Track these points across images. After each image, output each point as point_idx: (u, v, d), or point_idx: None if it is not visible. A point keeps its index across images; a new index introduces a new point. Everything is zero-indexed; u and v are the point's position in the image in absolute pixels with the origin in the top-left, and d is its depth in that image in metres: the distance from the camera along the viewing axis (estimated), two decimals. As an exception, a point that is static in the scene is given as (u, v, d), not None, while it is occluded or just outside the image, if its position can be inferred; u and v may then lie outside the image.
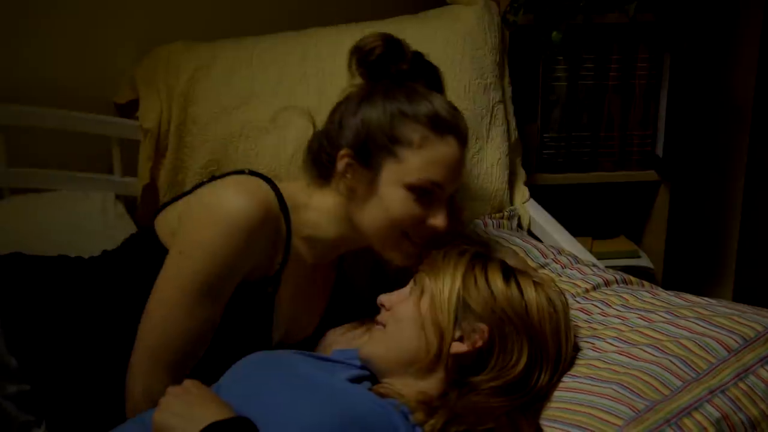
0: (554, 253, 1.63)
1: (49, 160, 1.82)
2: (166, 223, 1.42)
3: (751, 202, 2.24)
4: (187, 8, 1.93)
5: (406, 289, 1.32)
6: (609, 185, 2.13)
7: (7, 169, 1.78)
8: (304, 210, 1.42)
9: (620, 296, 1.44)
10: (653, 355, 1.25)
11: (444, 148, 1.37)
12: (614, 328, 1.35)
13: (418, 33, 1.80)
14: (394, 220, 1.37)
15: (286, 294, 1.42)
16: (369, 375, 1.30)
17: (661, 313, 1.35)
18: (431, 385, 1.25)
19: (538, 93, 2.01)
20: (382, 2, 1.99)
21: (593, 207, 2.19)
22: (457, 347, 1.23)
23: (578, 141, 2.06)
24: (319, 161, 1.43)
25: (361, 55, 1.44)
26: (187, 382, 1.19)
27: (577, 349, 1.32)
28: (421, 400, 1.21)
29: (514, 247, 1.64)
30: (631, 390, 1.20)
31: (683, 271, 2.27)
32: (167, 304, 1.31)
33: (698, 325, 1.29)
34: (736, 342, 1.24)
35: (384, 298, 1.34)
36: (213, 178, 1.45)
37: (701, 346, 1.25)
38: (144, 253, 1.40)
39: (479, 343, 1.23)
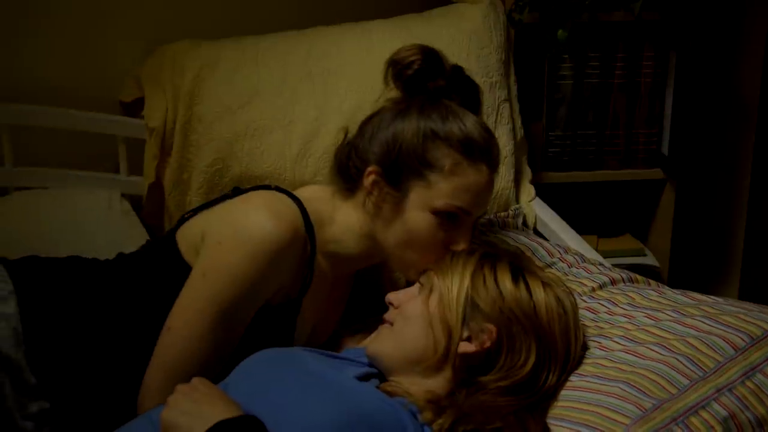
0: (560, 252, 1.63)
1: (54, 159, 1.83)
2: (188, 237, 1.38)
3: (757, 200, 2.24)
4: (191, 7, 1.94)
5: (415, 288, 1.33)
6: (614, 183, 2.13)
7: (13, 168, 1.79)
8: (328, 225, 1.40)
9: (627, 295, 1.44)
10: (660, 354, 1.25)
11: (475, 176, 1.34)
12: (621, 326, 1.35)
13: (423, 31, 1.80)
14: (416, 243, 1.35)
15: (308, 311, 1.41)
16: (377, 373, 1.30)
17: (667, 312, 1.35)
18: (438, 384, 1.25)
19: (544, 91, 2.01)
20: (387, 1, 1.99)
21: (599, 205, 2.19)
22: (465, 347, 1.23)
23: (584, 139, 2.06)
24: (347, 173, 1.41)
25: (398, 69, 1.40)
26: (195, 380, 1.19)
27: (584, 347, 1.32)
28: (429, 399, 1.21)
29: (520, 246, 1.64)
30: (638, 389, 1.20)
31: (689, 270, 2.27)
32: (187, 326, 1.29)
33: (705, 323, 1.29)
34: (743, 340, 1.24)
35: (392, 296, 1.34)
36: (236, 190, 1.43)
37: (708, 345, 1.24)
38: (165, 269, 1.37)
39: (487, 344, 1.23)
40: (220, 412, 1.11)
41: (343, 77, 1.77)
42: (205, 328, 1.29)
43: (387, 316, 1.33)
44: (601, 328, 1.37)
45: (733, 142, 2.24)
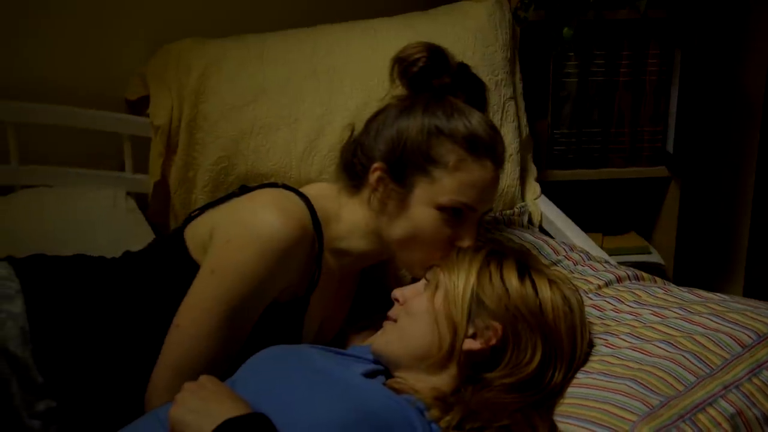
0: (566, 250, 1.63)
1: (59, 157, 1.83)
2: (196, 235, 1.38)
3: (761, 198, 2.24)
4: (197, 5, 1.94)
5: (420, 284, 1.32)
6: (619, 181, 2.13)
7: (19, 167, 1.79)
8: (335, 222, 1.41)
9: (633, 292, 1.44)
10: (667, 351, 1.25)
11: (479, 172, 1.35)
12: (627, 324, 1.35)
13: (428, 29, 1.80)
14: (421, 239, 1.36)
15: (315, 308, 1.41)
16: (383, 370, 1.30)
17: (674, 309, 1.35)
18: (444, 381, 1.25)
19: (549, 89, 2.01)
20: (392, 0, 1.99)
21: (604, 203, 2.19)
22: (470, 344, 1.23)
23: (589, 137, 2.06)
24: (352, 170, 1.42)
25: (403, 66, 1.41)
26: (203, 378, 1.19)
27: (590, 345, 1.32)
28: (435, 396, 1.21)
29: (525, 244, 1.63)
30: (645, 386, 1.20)
31: (694, 267, 2.27)
32: (195, 324, 1.29)
33: (711, 320, 1.29)
34: (750, 338, 1.24)
35: (398, 293, 1.33)
36: (243, 188, 1.43)
37: (715, 342, 1.24)
38: (173, 267, 1.38)
39: (493, 341, 1.23)
40: (228, 409, 1.11)
41: (349, 75, 1.77)
42: (213, 326, 1.29)
43: (391, 312, 1.33)
44: (608, 325, 1.37)
45: (738, 140, 2.24)
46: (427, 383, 1.24)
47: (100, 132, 1.81)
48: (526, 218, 1.84)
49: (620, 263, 1.63)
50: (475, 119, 1.36)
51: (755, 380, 1.19)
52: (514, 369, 1.22)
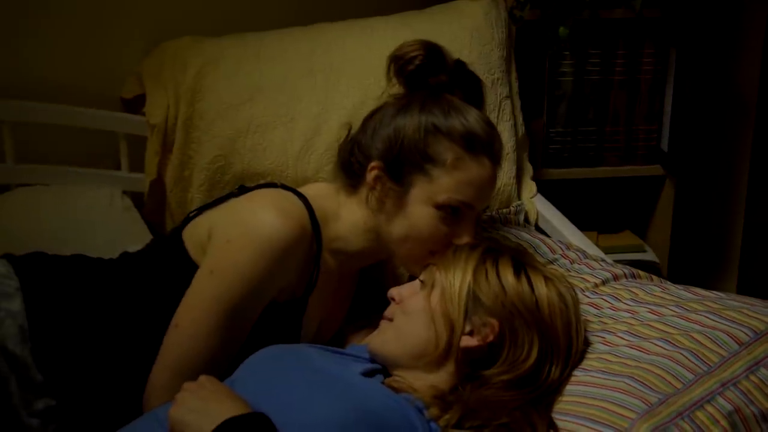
0: (563, 249, 1.63)
1: (56, 156, 1.82)
2: (194, 235, 1.38)
3: (755, 197, 2.25)
4: (194, 4, 1.93)
5: (417, 283, 1.33)
6: (614, 180, 2.13)
7: (15, 165, 1.79)
8: (333, 222, 1.41)
9: (630, 290, 1.45)
10: (665, 349, 1.26)
11: (477, 169, 1.35)
12: (625, 322, 1.36)
13: (425, 28, 1.80)
14: (419, 238, 1.36)
15: (314, 308, 1.41)
16: (381, 369, 1.30)
17: (671, 307, 1.35)
18: (442, 378, 1.25)
19: (544, 88, 2.02)
20: (388, -1, 2.00)
21: (599, 201, 2.19)
22: (467, 341, 1.24)
23: (584, 136, 2.06)
24: (350, 169, 1.42)
25: (400, 64, 1.41)
26: (202, 378, 1.19)
27: (587, 343, 1.32)
28: (434, 395, 1.21)
29: (522, 243, 1.64)
30: (643, 383, 1.20)
31: (688, 265, 2.28)
32: (194, 324, 1.29)
33: (708, 318, 1.30)
34: (747, 335, 1.25)
35: (394, 292, 1.34)
36: (242, 188, 1.44)
37: (712, 340, 1.25)
38: (172, 267, 1.38)
39: (490, 338, 1.23)
40: (228, 409, 1.11)
41: (345, 74, 1.77)
42: (211, 326, 1.29)
43: (388, 312, 1.33)
44: (605, 323, 1.37)
45: (732, 139, 2.25)
46: (425, 381, 1.25)
47: (97, 131, 1.81)
48: (522, 217, 1.85)
49: (615, 261, 1.63)
50: (472, 117, 1.36)
51: (752, 377, 1.20)
52: (511, 365, 1.23)
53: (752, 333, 1.25)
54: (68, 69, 1.85)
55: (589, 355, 1.30)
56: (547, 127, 2.04)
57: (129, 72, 1.86)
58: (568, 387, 1.26)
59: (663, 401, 1.17)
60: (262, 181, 1.57)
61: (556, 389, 1.26)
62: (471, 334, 1.24)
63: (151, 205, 1.81)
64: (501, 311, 1.24)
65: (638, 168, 2.10)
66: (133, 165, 1.84)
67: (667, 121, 2.05)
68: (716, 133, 2.26)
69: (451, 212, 1.35)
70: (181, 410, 1.14)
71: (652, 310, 1.36)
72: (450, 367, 1.25)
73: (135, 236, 1.68)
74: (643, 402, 1.18)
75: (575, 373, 1.28)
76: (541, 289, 1.27)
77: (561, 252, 1.62)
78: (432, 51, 1.40)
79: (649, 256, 2.13)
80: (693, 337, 1.26)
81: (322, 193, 1.43)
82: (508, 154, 1.83)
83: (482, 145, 1.35)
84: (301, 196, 1.37)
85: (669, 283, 1.50)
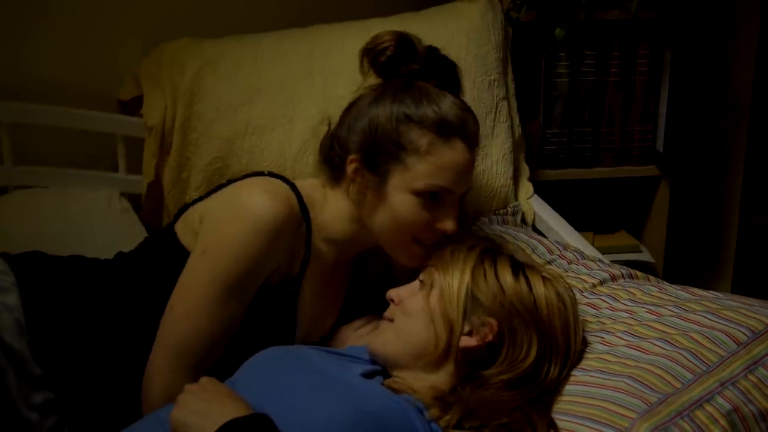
0: (560, 249, 1.64)
1: (54, 157, 1.82)
2: (186, 225, 1.41)
3: (749, 197, 2.26)
4: (192, 5, 1.93)
5: (415, 284, 1.33)
6: (610, 180, 2.14)
7: (13, 167, 1.78)
8: (320, 211, 1.43)
9: (627, 291, 1.46)
10: (663, 349, 1.26)
11: (451, 153, 1.36)
12: (623, 322, 1.36)
13: (422, 30, 1.77)
14: (403, 225, 1.38)
15: (308, 294, 1.43)
16: (381, 370, 1.31)
17: (669, 307, 1.36)
18: (441, 379, 1.26)
19: (540, 89, 2.02)
20: (384, 0, 2.00)
21: (594, 202, 2.20)
22: (467, 341, 1.24)
23: (580, 137, 2.07)
24: (332, 163, 1.44)
25: (372, 56, 1.44)
26: (204, 380, 1.20)
27: (586, 343, 1.33)
28: (434, 396, 1.22)
29: (520, 243, 1.65)
30: (642, 383, 1.21)
31: (683, 266, 2.29)
32: (189, 303, 1.31)
33: (707, 318, 1.30)
34: (745, 335, 1.26)
35: (393, 293, 1.34)
36: (230, 181, 1.45)
37: (711, 339, 1.26)
38: (165, 258, 1.39)
39: (489, 338, 1.24)
40: (230, 411, 1.11)
41: (344, 76, 1.77)
42: (207, 305, 1.30)
43: (387, 312, 1.34)
44: (603, 323, 1.38)
45: (726, 140, 2.26)
46: (425, 382, 1.25)
47: (94, 132, 1.81)
48: (519, 217, 1.85)
49: (612, 262, 1.64)
50: (445, 103, 1.38)
51: (751, 377, 1.21)
52: (510, 365, 1.24)
53: (750, 333, 1.26)
54: (66, 70, 1.85)
55: (588, 356, 1.31)
56: (543, 128, 2.05)
57: (127, 73, 1.86)
58: (568, 387, 1.27)
59: (663, 401, 1.18)
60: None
61: (555, 389, 1.26)
62: (470, 334, 1.25)
63: (148, 207, 1.81)
64: (499, 311, 1.25)
65: (633, 169, 2.11)
66: (131, 167, 1.84)
67: (662, 122, 2.06)
68: (711, 134, 2.27)
69: (430, 198, 1.36)
70: (183, 412, 1.14)
71: (650, 310, 1.37)
72: (450, 368, 1.26)
73: (133, 238, 1.67)
74: (643, 402, 1.18)
75: (574, 373, 1.28)
76: (539, 288, 1.28)
77: (558, 253, 1.63)
78: (402, 41, 1.42)
79: (645, 256, 2.14)
80: (692, 337, 1.27)
81: (309, 183, 1.46)
82: (504, 155, 1.83)
83: (454, 129, 1.37)
84: (289, 182, 1.40)
85: (666, 283, 1.51)
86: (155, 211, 1.81)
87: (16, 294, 1.33)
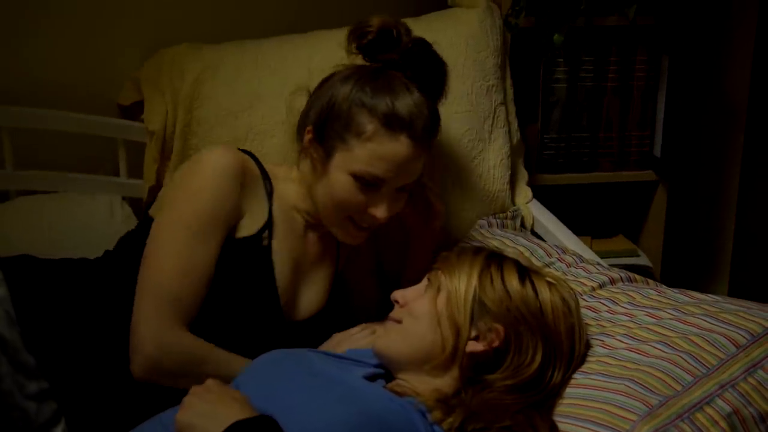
0: (559, 253, 1.65)
1: (55, 162, 1.82)
2: (157, 203, 1.50)
3: (745, 202, 2.27)
4: (193, 11, 1.93)
5: (421, 286, 1.34)
6: (608, 185, 2.15)
7: (14, 171, 1.78)
8: (284, 180, 1.51)
9: (627, 294, 1.46)
10: (663, 352, 1.27)
11: (392, 146, 1.40)
12: (623, 325, 1.37)
13: (421, 35, 1.80)
14: (337, 203, 1.44)
15: (283, 252, 1.47)
16: (383, 373, 1.31)
17: (668, 311, 1.37)
18: (446, 383, 1.26)
19: (539, 94, 2.03)
20: (384, 5, 2.00)
21: (592, 207, 2.21)
22: (473, 346, 1.25)
23: (578, 142, 2.08)
24: (300, 136, 1.51)
25: (355, 37, 1.50)
26: (209, 382, 1.20)
27: (587, 346, 1.34)
28: (437, 398, 1.22)
29: (519, 248, 1.65)
30: (643, 386, 1.22)
31: (680, 270, 2.30)
32: (159, 251, 1.37)
33: (706, 321, 1.31)
34: (744, 338, 1.27)
35: (398, 294, 1.35)
36: None
37: (710, 342, 1.27)
38: (144, 239, 1.43)
39: (496, 343, 1.24)
40: (235, 412, 1.12)
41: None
42: (176, 246, 1.36)
43: (394, 314, 1.34)
44: (603, 326, 1.39)
45: (723, 145, 2.27)
46: (429, 385, 1.26)
47: (95, 137, 1.81)
48: (519, 222, 1.86)
49: (610, 266, 1.65)
50: (402, 99, 1.41)
51: (750, 379, 1.22)
52: (515, 371, 1.24)
53: (749, 336, 1.27)
54: (66, 75, 1.85)
55: (589, 359, 1.32)
56: (542, 133, 2.06)
57: (127, 78, 1.86)
58: (569, 390, 1.28)
59: (663, 403, 1.19)
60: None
61: (557, 392, 1.27)
62: (477, 339, 1.25)
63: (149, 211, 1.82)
64: (506, 316, 1.25)
65: (631, 174, 2.12)
66: (132, 171, 1.84)
67: (660, 128, 2.07)
68: (708, 139, 2.28)
69: (365, 183, 1.41)
70: (188, 414, 1.15)
71: (649, 313, 1.38)
72: (455, 372, 1.26)
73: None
74: (644, 404, 1.19)
75: (576, 376, 1.29)
76: (545, 294, 1.28)
77: (557, 256, 1.64)
78: (384, 29, 1.47)
79: (642, 260, 2.14)
80: (691, 340, 1.28)
81: (277, 163, 1.57)
82: (502, 159, 1.84)
83: (402, 123, 1.40)
84: (250, 153, 1.51)
85: (665, 286, 1.51)
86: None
87: (5, 288, 1.36)
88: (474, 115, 1.81)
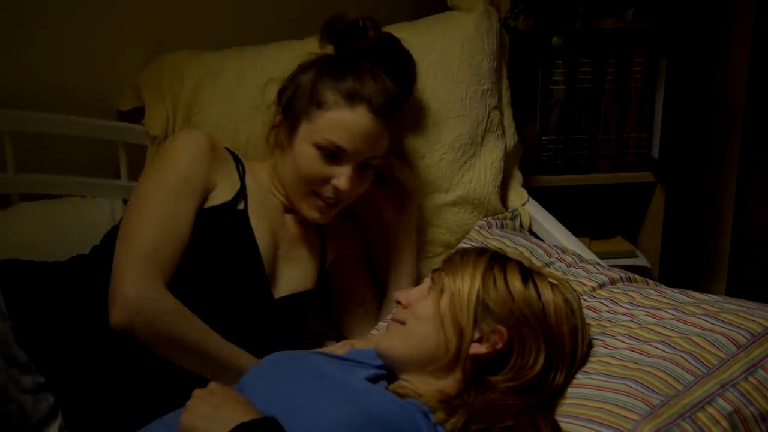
0: (559, 253, 1.64)
1: (56, 165, 1.83)
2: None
3: (742, 202, 2.28)
4: (194, 16, 1.94)
5: (424, 287, 1.34)
6: (606, 186, 2.16)
7: (16, 175, 1.79)
8: (258, 169, 1.61)
9: (627, 294, 1.46)
10: (664, 352, 1.28)
11: (350, 115, 1.48)
12: (623, 325, 1.37)
13: (418, 40, 1.80)
14: (302, 175, 1.50)
15: (258, 219, 1.52)
16: (386, 375, 1.32)
17: (668, 311, 1.37)
18: (449, 384, 1.27)
19: (538, 96, 2.04)
20: (382, 9, 2.00)
21: (591, 208, 2.21)
22: (477, 348, 1.25)
23: (576, 143, 2.09)
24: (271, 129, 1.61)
25: (326, 28, 1.61)
26: (212, 385, 1.20)
27: (589, 346, 1.34)
28: (440, 399, 1.22)
29: (519, 248, 1.65)
30: (644, 386, 1.22)
31: (678, 270, 2.31)
32: (138, 208, 1.45)
33: (706, 321, 1.32)
34: (744, 337, 1.27)
35: (401, 296, 1.35)
36: None
37: (710, 342, 1.27)
38: None
39: (499, 345, 1.24)
40: (239, 415, 1.12)
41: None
42: (154, 205, 1.43)
43: (397, 315, 1.34)
44: (604, 326, 1.39)
45: (720, 146, 2.28)
46: (431, 386, 1.26)
47: (96, 140, 1.82)
48: (518, 222, 1.86)
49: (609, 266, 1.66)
50: (364, 79, 1.50)
51: (751, 379, 1.22)
52: (518, 372, 1.24)
53: (749, 335, 1.27)
54: (68, 79, 1.86)
55: (590, 359, 1.32)
56: (540, 134, 2.07)
57: (129, 82, 1.87)
58: (571, 390, 1.28)
59: (665, 402, 1.19)
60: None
61: (560, 393, 1.27)
62: (480, 341, 1.25)
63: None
64: (509, 318, 1.25)
65: (629, 175, 2.12)
66: (133, 174, 1.84)
67: (657, 129, 2.08)
68: (705, 141, 2.30)
69: (329, 154, 1.48)
70: (192, 417, 1.15)
71: (650, 313, 1.38)
72: (458, 374, 1.26)
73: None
74: (646, 404, 1.20)
75: (577, 376, 1.29)
76: (548, 295, 1.28)
77: (557, 256, 1.63)
78: (352, 22, 1.59)
79: (641, 261, 2.15)
80: (692, 340, 1.28)
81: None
82: (493, 163, 1.83)
83: (361, 97, 1.49)
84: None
85: (664, 287, 1.52)
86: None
87: None
88: (468, 119, 1.81)
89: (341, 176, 1.49)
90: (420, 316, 1.29)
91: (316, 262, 1.63)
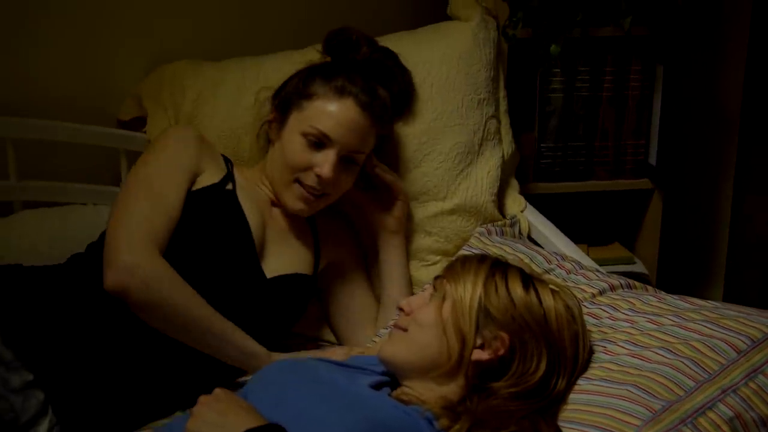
0: (558, 259, 1.65)
1: (58, 172, 1.83)
2: None
3: (739, 209, 2.29)
4: (195, 25, 1.95)
5: (426, 294, 1.35)
6: (604, 194, 2.16)
7: (18, 182, 1.79)
8: (246, 168, 1.68)
9: (627, 300, 1.47)
10: (665, 357, 1.28)
11: (338, 104, 1.55)
12: (624, 331, 1.38)
13: (415, 50, 1.81)
14: (287, 163, 1.55)
15: (246, 202, 1.57)
16: (389, 381, 1.32)
17: (669, 317, 1.38)
18: (451, 390, 1.27)
19: (536, 104, 2.05)
20: (381, 19, 2.02)
21: (588, 215, 2.22)
22: (479, 355, 1.25)
23: (574, 151, 2.09)
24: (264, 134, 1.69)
25: (325, 40, 1.70)
26: (217, 390, 1.20)
27: (590, 352, 1.35)
28: (443, 406, 1.23)
29: (519, 254, 1.66)
30: (646, 391, 1.23)
31: (676, 276, 2.31)
32: (130, 187, 1.50)
33: (706, 327, 1.32)
34: (744, 343, 1.28)
35: (403, 303, 1.36)
36: None
37: (711, 348, 1.28)
38: None
39: (501, 351, 1.25)
40: (245, 421, 1.12)
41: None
42: (146, 183, 1.49)
43: (399, 322, 1.34)
44: (605, 332, 1.40)
45: (717, 153, 2.29)
46: (434, 393, 1.27)
47: (98, 147, 1.82)
48: (517, 229, 1.86)
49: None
50: (356, 80, 1.57)
51: (751, 384, 1.23)
52: (520, 378, 1.25)
53: (749, 341, 1.28)
54: (70, 86, 1.86)
55: (591, 365, 1.33)
56: (538, 142, 2.07)
57: (129, 90, 1.87)
58: (573, 395, 1.29)
59: (666, 408, 1.20)
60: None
61: (561, 399, 1.28)
62: (482, 347, 1.26)
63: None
64: (511, 324, 1.26)
65: (627, 182, 2.13)
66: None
67: (655, 136, 2.08)
68: (702, 148, 2.31)
69: (314, 142, 1.54)
70: (197, 423, 1.15)
71: (650, 319, 1.39)
72: (460, 380, 1.27)
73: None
74: (647, 409, 1.20)
75: (579, 382, 1.30)
76: (549, 301, 1.29)
77: (557, 262, 1.64)
78: (347, 36, 1.68)
79: (638, 267, 2.15)
80: (692, 346, 1.29)
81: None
82: (489, 171, 1.84)
83: (350, 91, 1.56)
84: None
85: (664, 293, 1.53)
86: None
87: None
88: (464, 128, 1.81)
89: (324, 164, 1.53)
90: (422, 323, 1.30)
91: (309, 253, 1.65)
